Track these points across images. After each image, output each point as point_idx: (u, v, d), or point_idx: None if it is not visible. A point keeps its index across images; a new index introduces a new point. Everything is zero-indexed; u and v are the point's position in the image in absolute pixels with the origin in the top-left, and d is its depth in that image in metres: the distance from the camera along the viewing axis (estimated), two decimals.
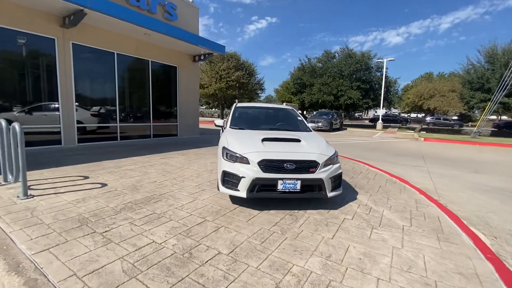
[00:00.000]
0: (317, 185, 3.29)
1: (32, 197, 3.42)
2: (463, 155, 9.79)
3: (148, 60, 9.53)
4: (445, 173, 6.59)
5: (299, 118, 5.03)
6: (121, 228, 2.71)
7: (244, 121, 4.65)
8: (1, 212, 2.96)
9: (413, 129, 26.38)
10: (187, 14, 10.36)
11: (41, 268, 1.99)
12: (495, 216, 3.75)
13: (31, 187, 3.78)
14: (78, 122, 7.78)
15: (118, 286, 1.84)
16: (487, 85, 20.46)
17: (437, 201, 4.04)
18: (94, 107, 8.38)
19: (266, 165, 3.20)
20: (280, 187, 3.20)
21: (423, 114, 35.57)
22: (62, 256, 2.17)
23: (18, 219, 2.80)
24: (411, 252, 2.49)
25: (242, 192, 3.23)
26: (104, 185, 4.13)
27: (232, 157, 3.38)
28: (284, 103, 6.84)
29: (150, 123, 9.87)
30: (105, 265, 2.07)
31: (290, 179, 3.19)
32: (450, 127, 30.95)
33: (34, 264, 2.04)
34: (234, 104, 5.30)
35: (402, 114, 47.28)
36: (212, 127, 20.38)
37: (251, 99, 28.74)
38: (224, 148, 3.54)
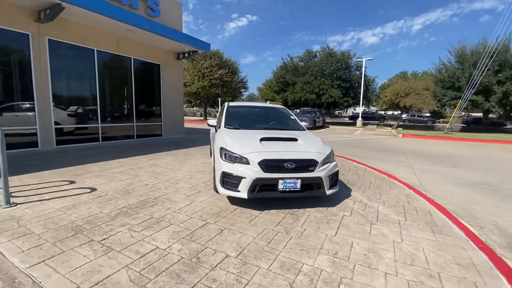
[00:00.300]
0: (316, 183, 3.34)
1: (16, 205, 3.17)
2: (439, 150, 10.37)
3: (130, 58, 9.15)
4: (426, 168, 6.94)
5: (292, 117, 5.07)
6: (120, 235, 2.58)
7: (238, 121, 4.61)
8: None
9: (390, 125, 27.59)
10: (170, 10, 10.06)
11: (40, 283, 1.85)
12: (478, 208, 4.00)
13: (12, 194, 3.50)
14: (55, 123, 7.31)
15: None
16: (458, 84, 21.77)
17: (426, 196, 4.25)
18: (71, 107, 7.92)
19: (267, 165, 3.20)
20: (280, 186, 3.20)
21: (399, 112, 37.29)
22: (60, 268, 2.03)
23: (3, 230, 2.58)
24: (411, 246, 2.59)
25: (243, 193, 3.20)
26: (93, 189, 3.92)
27: (231, 157, 3.34)
28: (268, 102, 6.83)
29: (133, 123, 9.50)
30: (109, 275, 1.97)
31: (290, 178, 3.20)
32: (424, 124, 32.74)
33: (31, 279, 1.89)
34: (226, 104, 5.23)
35: (379, 112, 49.28)
36: (197, 126, 20.04)
37: (234, 98, 28.57)
38: (222, 148, 3.48)
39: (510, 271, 2.22)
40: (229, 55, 31.26)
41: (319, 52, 27.96)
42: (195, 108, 43.94)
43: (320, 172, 3.33)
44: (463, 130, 22.62)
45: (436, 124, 30.86)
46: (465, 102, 19.20)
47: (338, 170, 3.64)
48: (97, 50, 8.05)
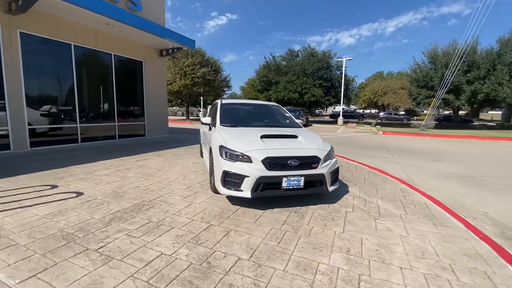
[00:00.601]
0: (319, 180, 3.30)
1: None
2: (419, 146, 10.85)
3: (111, 54, 8.66)
4: (410, 163, 7.20)
5: (287, 115, 5.02)
6: (118, 242, 2.38)
7: (234, 118, 4.48)
8: None
9: (369, 123, 28.57)
10: (152, 5, 9.65)
11: None
12: (467, 200, 4.19)
13: None
14: (29, 123, 6.73)
15: None
16: (431, 83, 23.01)
17: (419, 190, 4.37)
18: (44, 106, 7.34)
19: (270, 162, 3.11)
20: (284, 184, 3.13)
21: (376, 110, 38.81)
22: (56, 282, 1.82)
23: None
24: (417, 239, 2.63)
25: (246, 192, 3.09)
26: (79, 194, 3.62)
27: (232, 155, 3.22)
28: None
29: (115, 122, 9.01)
30: (114, 287, 1.79)
31: (294, 176, 3.14)
32: (400, 121, 34.36)
33: None
34: (219, 102, 5.07)
35: (358, 110, 50.93)
36: (180, 125, 19.50)
37: (217, 96, 28.17)
38: (222, 146, 3.34)
39: None
40: (210, 54, 30.74)
41: (301, 52, 28.33)
42: (175, 107, 42.87)
43: (323, 169, 3.30)
44: (436, 127, 23.95)
45: (411, 122, 32.42)
46: (439, 100, 20.32)
47: (338, 167, 3.64)
48: (74, 45, 7.52)
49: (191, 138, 10.77)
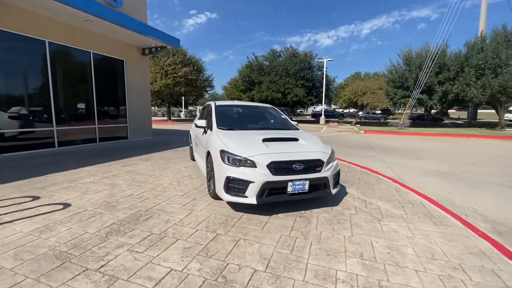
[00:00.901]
0: (323, 183, 3.28)
1: None
2: (400, 144, 11.32)
3: (90, 52, 8.13)
4: (396, 161, 7.47)
5: (283, 116, 4.98)
6: (121, 259, 2.19)
7: (230, 121, 4.36)
8: None
9: (349, 122, 29.47)
10: (134, 1, 9.21)
11: None
12: (455, 197, 4.39)
13: None
14: None
15: None
16: (406, 84, 24.16)
17: (413, 189, 4.51)
18: (13, 108, 6.73)
19: (275, 167, 3.04)
20: (289, 189, 3.08)
21: (354, 110, 40.17)
22: None
23: None
24: (424, 239, 2.68)
25: (251, 199, 3.00)
26: (66, 205, 3.33)
27: (235, 160, 3.11)
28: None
29: (95, 125, 8.49)
30: None
31: (299, 180, 3.10)
32: (377, 120, 35.79)
33: None
34: (212, 104, 4.91)
35: (337, 110, 52.36)
36: (162, 127, 18.85)
37: (199, 96, 27.66)
38: (224, 151, 3.22)
39: None
40: (192, 53, 30.02)
41: (283, 52, 28.57)
42: (155, 107, 41.53)
43: (327, 172, 3.29)
44: (411, 125, 25.19)
45: (388, 121, 33.86)
46: (414, 100, 21.40)
47: (339, 169, 3.65)
48: (49, 42, 6.97)
49: (176, 140, 10.43)
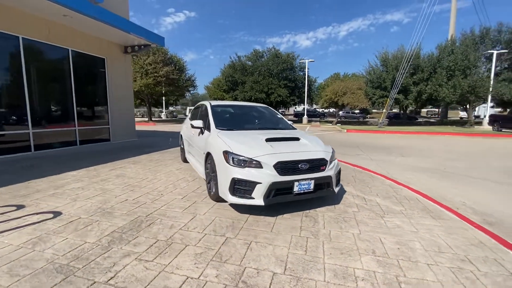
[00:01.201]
0: (326, 182, 3.31)
1: None
2: (383, 142, 11.76)
3: (68, 49, 7.64)
4: (382, 158, 7.75)
5: (279, 116, 4.97)
6: (130, 269, 2.06)
7: (228, 121, 4.27)
8: None
9: (331, 122, 30.22)
10: None
11: None
12: (444, 191, 4.61)
13: None
14: None
15: None
16: (384, 84, 25.16)
17: (406, 185, 4.68)
18: None
19: (282, 167, 3.01)
20: (296, 189, 3.07)
21: (334, 109, 41.33)
22: None
23: None
24: (427, 234, 2.78)
25: (258, 200, 2.95)
26: (57, 213, 3.08)
27: (241, 161, 3.04)
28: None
29: (75, 126, 8.00)
30: None
31: (305, 179, 3.09)
32: (357, 119, 37.05)
33: None
34: (207, 104, 4.79)
35: (318, 110, 53.53)
36: (144, 128, 18.17)
37: (181, 96, 27.04)
38: (228, 152, 3.14)
39: (509, 244, 2.57)
40: (173, 52, 29.24)
41: (265, 53, 28.69)
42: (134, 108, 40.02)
43: (330, 171, 3.31)
44: (389, 124, 26.32)
45: (367, 120, 35.12)
46: (392, 100, 22.37)
47: (340, 168, 3.70)
48: (23, 38, 6.45)
49: (162, 141, 10.11)
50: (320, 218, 3.14)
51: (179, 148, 8.13)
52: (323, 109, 53.35)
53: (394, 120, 32.14)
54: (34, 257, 2.18)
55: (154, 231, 2.71)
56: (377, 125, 21.71)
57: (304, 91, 28.02)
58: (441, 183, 5.18)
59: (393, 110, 45.73)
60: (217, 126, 3.97)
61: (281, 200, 3.08)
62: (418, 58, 23.53)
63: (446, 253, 2.40)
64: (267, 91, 25.92)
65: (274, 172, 2.97)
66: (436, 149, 9.93)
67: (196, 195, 3.85)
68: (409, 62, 21.44)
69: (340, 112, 38.60)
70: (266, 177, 2.94)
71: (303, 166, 3.10)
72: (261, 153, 3.07)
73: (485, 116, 21.74)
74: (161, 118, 33.68)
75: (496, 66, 21.32)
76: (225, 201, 3.48)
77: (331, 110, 50.72)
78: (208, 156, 3.67)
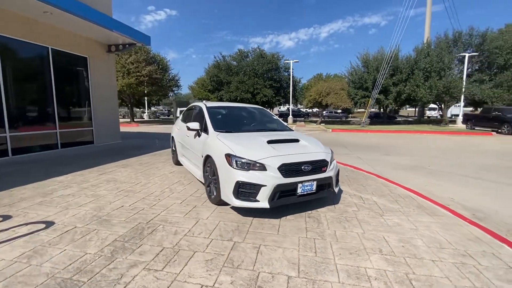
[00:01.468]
0: (328, 183, 3.36)
1: None
2: (368, 141, 12.13)
3: (48, 48, 7.21)
4: (369, 157, 7.99)
5: (274, 117, 4.98)
6: (140, 280, 1.97)
7: (226, 123, 4.22)
8: None
9: (315, 121, 30.77)
10: None
11: None
12: (432, 188, 4.83)
13: None
14: None
15: None
16: (365, 85, 25.96)
17: (397, 183, 4.85)
18: None
19: (286, 169, 3.02)
20: (299, 190, 3.09)
21: (317, 109, 42.13)
22: None
23: None
24: (426, 231, 2.89)
25: (263, 203, 2.94)
26: (49, 223, 2.90)
27: (244, 164, 3.01)
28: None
29: (56, 129, 7.57)
30: None
31: (308, 181, 3.12)
32: (339, 119, 37.99)
33: None
34: (202, 105, 4.70)
35: (301, 110, 54.37)
36: (129, 129, 17.55)
37: (165, 97, 26.39)
38: (230, 155, 3.10)
39: (503, 238, 2.74)
40: (156, 51, 28.36)
41: (250, 53, 28.65)
42: None
43: (331, 172, 3.36)
44: (371, 123, 27.22)
45: (350, 119, 36.13)
46: (373, 100, 23.14)
47: (339, 169, 3.76)
48: (0, 36, 6.02)
49: (149, 143, 9.82)
50: (323, 218, 3.17)
51: (168, 150, 7.96)
52: (306, 109, 54.30)
53: (375, 120, 33.29)
54: (32, 272, 2.04)
55: (158, 238, 2.62)
56: (360, 125, 22.37)
57: (289, 91, 28.29)
58: (427, 180, 5.42)
59: (372, 110, 47.46)
60: (215, 129, 3.91)
61: (285, 202, 3.09)
62: (397, 60, 24.49)
63: (447, 249, 2.51)
64: (252, 91, 25.90)
65: (279, 174, 2.97)
66: (418, 147, 10.39)
67: (195, 199, 3.77)
68: (388, 63, 22.28)
69: (324, 112, 39.47)
70: (270, 179, 2.93)
71: (306, 167, 3.13)
72: (265, 155, 3.06)
73: (458, 115, 23.07)
74: (144, 118, 32.69)
75: (468, 68, 22.68)
76: (226, 205, 3.44)
77: (315, 110, 51.78)
78: (208, 159, 3.61)
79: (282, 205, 3.40)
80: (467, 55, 21.92)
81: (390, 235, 2.78)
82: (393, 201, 3.83)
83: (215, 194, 3.41)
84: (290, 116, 28.44)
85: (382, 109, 33.20)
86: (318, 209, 3.45)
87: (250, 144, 3.32)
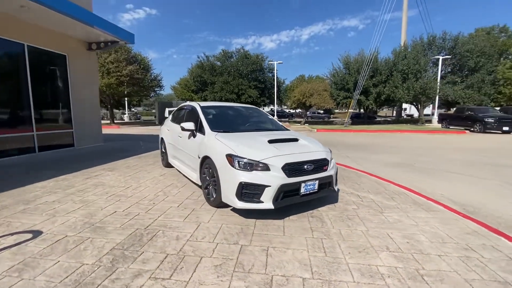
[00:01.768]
0: (328, 182, 3.36)
1: None
2: (353, 140, 12.43)
3: (23, 44, 6.71)
4: (357, 156, 8.17)
5: (270, 117, 4.94)
6: None
7: (222, 123, 4.11)
8: None
9: (299, 122, 31.19)
10: None
11: None
12: (422, 185, 4.99)
13: None
14: None
15: None
16: (347, 86, 26.69)
17: (390, 180, 4.97)
18: None
19: (289, 169, 2.98)
20: (302, 190, 3.06)
21: (299, 110, 42.77)
22: None
23: None
24: (427, 226, 2.97)
25: (267, 203, 2.88)
26: (37, 233, 2.66)
27: (247, 164, 2.94)
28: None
29: (33, 131, 7.06)
30: None
31: (310, 180, 3.10)
32: (322, 119, 38.79)
33: None
34: (196, 105, 4.56)
35: (285, 110, 54.95)
36: (110, 131, 16.79)
37: (146, 97, 25.59)
38: (232, 155, 3.01)
39: (498, 231, 2.86)
40: (137, 50, 27.51)
41: (234, 53, 28.53)
42: None
43: (331, 171, 3.37)
44: (352, 123, 28.00)
45: (332, 119, 36.95)
46: (355, 101, 23.83)
47: (337, 167, 3.78)
48: None
49: (133, 146, 9.43)
50: (326, 217, 3.17)
51: (155, 152, 7.70)
52: (290, 110, 54.94)
53: (356, 120, 34.28)
54: (26, 287, 1.84)
55: (159, 244, 2.48)
56: (343, 124, 22.93)
57: (273, 92, 28.47)
58: (415, 177, 5.61)
59: (351, 110, 48.95)
60: (212, 129, 3.80)
61: (289, 202, 3.05)
62: (376, 62, 25.39)
63: (449, 243, 2.58)
64: (237, 92, 25.78)
65: (282, 174, 2.93)
66: (402, 145, 10.78)
67: (193, 202, 3.63)
68: (368, 65, 23.04)
69: (308, 113, 40.10)
70: (274, 179, 2.88)
71: (308, 167, 3.11)
72: (268, 155, 3.00)
73: (433, 114, 24.31)
74: (124, 120, 31.52)
75: (441, 70, 23.97)
76: (225, 207, 3.35)
77: (298, 110, 52.56)
78: (206, 160, 3.49)
79: (284, 206, 3.37)
80: (440, 57, 23.17)
81: (394, 231, 2.82)
82: (389, 198, 3.91)
83: (214, 196, 3.31)
84: (275, 116, 28.58)
85: (362, 110, 34.30)
86: (319, 208, 3.45)
87: (252, 144, 3.25)
